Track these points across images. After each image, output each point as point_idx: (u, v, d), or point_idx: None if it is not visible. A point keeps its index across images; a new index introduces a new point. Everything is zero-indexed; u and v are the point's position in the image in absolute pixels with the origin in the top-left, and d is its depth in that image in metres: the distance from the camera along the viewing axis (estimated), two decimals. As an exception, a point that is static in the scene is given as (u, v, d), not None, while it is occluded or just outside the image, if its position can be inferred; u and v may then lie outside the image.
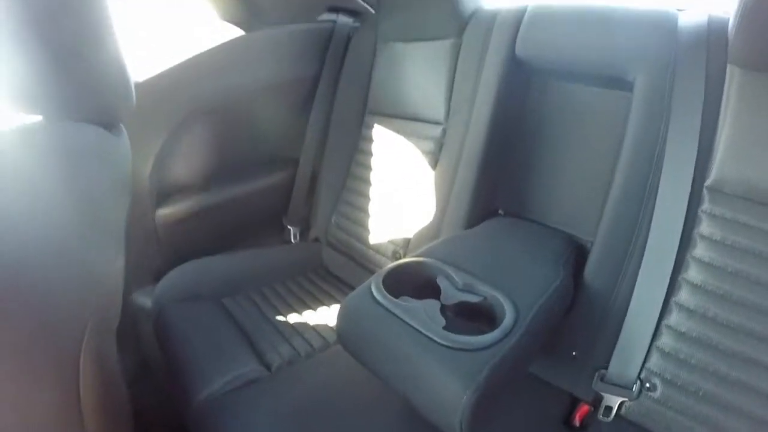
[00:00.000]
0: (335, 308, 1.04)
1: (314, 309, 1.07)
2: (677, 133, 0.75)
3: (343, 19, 1.33)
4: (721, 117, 0.73)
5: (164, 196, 1.17)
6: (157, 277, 1.11)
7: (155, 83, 1.09)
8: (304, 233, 1.35)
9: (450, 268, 0.72)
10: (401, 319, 0.62)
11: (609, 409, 0.76)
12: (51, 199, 0.49)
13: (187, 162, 1.22)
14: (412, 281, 0.72)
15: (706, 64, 0.75)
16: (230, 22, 1.35)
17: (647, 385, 0.75)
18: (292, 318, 1.03)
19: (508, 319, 0.63)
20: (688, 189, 0.73)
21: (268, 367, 0.88)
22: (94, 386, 0.56)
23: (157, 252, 1.18)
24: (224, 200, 1.29)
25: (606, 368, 0.77)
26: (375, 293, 0.66)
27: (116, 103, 0.59)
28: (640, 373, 0.75)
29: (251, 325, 0.99)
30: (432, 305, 0.65)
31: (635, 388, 0.74)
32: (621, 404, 0.76)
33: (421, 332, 0.60)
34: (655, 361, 0.75)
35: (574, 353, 0.83)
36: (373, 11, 1.30)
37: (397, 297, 0.66)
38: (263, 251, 1.28)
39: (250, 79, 1.26)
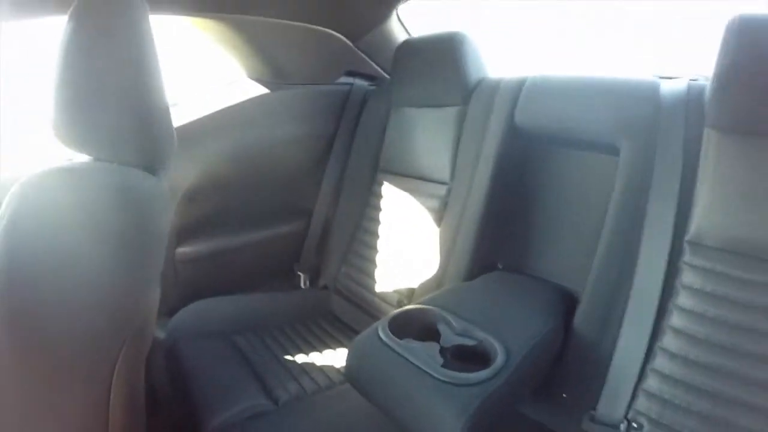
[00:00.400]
0: (341, 351, 1.10)
1: (321, 351, 1.12)
2: (658, 192, 0.82)
3: (360, 83, 1.46)
4: (699, 176, 0.79)
5: (185, 235, 1.25)
6: (172, 311, 1.17)
7: (186, 130, 1.18)
8: (314, 280, 1.41)
9: (449, 315, 0.79)
10: (404, 358, 0.69)
11: None
12: (97, 233, 0.57)
13: (209, 205, 1.31)
14: (415, 326, 0.78)
15: (684, 128, 0.82)
16: (256, 80, 1.46)
17: (634, 425, 0.78)
18: (300, 358, 1.08)
19: (499, 360, 0.70)
20: (669, 243, 0.79)
21: (275, 401, 0.92)
22: (122, 405, 0.62)
23: (173, 288, 1.25)
24: (240, 244, 1.37)
25: (595, 409, 0.81)
26: (381, 335, 0.73)
27: (160, 148, 0.68)
28: (627, 414, 0.79)
29: (260, 362, 1.03)
30: (432, 347, 0.72)
31: (623, 427, 0.78)
32: None
33: (421, 369, 0.67)
34: (641, 402, 0.79)
35: (564, 395, 0.88)
36: (387, 77, 1.41)
37: (401, 339, 0.73)
38: (274, 295, 1.35)
39: (272, 133, 1.37)
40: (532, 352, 0.76)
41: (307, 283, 1.41)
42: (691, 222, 0.79)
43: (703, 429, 0.72)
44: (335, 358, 1.09)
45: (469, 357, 0.73)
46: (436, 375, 0.66)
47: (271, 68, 1.41)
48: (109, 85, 0.61)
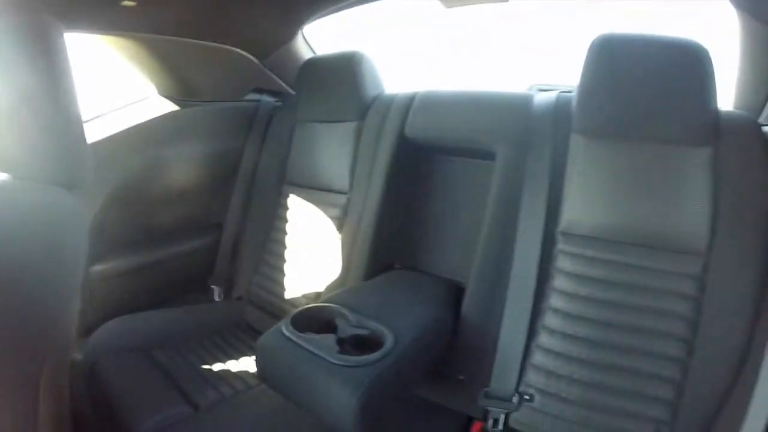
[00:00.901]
0: None
1: (237, 359, 1.14)
2: (530, 191, 0.95)
3: (267, 99, 1.51)
4: (567, 175, 0.93)
5: (99, 253, 1.24)
6: (89, 330, 1.15)
7: (99, 147, 1.18)
8: (228, 292, 1.43)
9: (346, 310, 0.87)
10: (305, 348, 0.77)
11: (496, 421, 0.90)
12: (14, 250, 0.57)
13: (122, 222, 1.30)
14: (315, 322, 0.86)
15: (553, 134, 0.95)
16: (167, 97, 1.47)
17: (526, 396, 0.90)
18: (218, 366, 1.10)
19: (387, 344, 0.78)
20: (541, 234, 0.92)
21: (195, 407, 0.94)
22: (50, 415, 0.62)
23: (89, 306, 1.22)
24: (154, 260, 1.37)
25: (488, 386, 0.92)
26: (284, 331, 0.80)
27: (76, 165, 0.69)
28: (518, 387, 0.90)
29: (179, 373, 1.04)
30: (329, 337, 0.80)
31: (515, 400, 0.89)
32: (507, 416, 0.91)
33: (319, 356, 0.75)
34: (529, 375, 0.90)
35: (461, 377, 0.98)
36: (293, 93, 1.47)
37: (302, 334, 0.80)
38: (190, 309, 1.35)
39: (182, 149, 1.39)
40: (420, 338, 0.85)
41: (222, 295, 1.43)
42: (562, 215, 0.92)
43: (585, 393, 0.85)
44: (251, 364, 1.12)
45: (365, 345, 0.80)
46: (332, 360, 0.74)
47: (182, 86, 1.44)
48: (25, 103, 0.62)
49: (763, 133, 0.83)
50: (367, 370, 0.73)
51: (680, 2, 1.24)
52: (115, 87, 1.56)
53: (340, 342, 0.81)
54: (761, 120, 1.00)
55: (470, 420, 0.97)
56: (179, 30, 1.22)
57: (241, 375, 1.07)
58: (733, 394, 0.78)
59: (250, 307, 1.35)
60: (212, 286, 1.44)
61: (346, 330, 0.83)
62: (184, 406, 0.94)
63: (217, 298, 1.43)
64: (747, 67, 1.05)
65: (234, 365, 1.12)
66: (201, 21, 1.24)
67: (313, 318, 0.86)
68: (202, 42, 1.32)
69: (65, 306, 0.67)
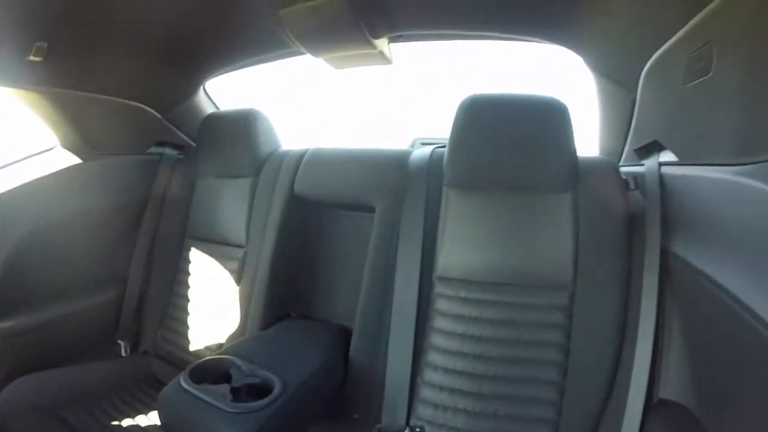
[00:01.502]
0: None
1: (145, 413, 1.17)
2: (405, 240, 1.05)
3: (170, 152, 1.55)
4: (440, 225, 1.04)
5: (2, 309, 1.22)
6: None
7: None
8: (134, 347, 1.44)
9: (239, 360, 0.93)
10: (200, 398, 0.82)
11: None
12: None
13: (25, 277, 1.28)
14: (212, 373, 0.92)
15: (427, 187, 1.06)
16: (70, 150, 1.48)
17: (417, 429, 0.97)
18: (126, 422, 1.13)
19: (276, 390, 0.85)
20: (417, 280, 1.01)
21: None
22: None
23: None
24: (58, 316, 1.35)
25: (380, 422, 0.99)
26: (183, 383, 0.86)
27: None
28: (408, 421, 0.98)
29: (84, 429, 1.07)
30: (224, 387, 0.87)
31: None
32: None
33: (214, 405, 0.81)
34: (418, 409, 0.99)
35: (356, 416, 1.06)
36: (194, 145, 1.52)
37: (199, 385, 0.85)
38: (97, 365, 1.35)
39: (85, 203, 1.39)
40: (308, 381, 0.93)
41: (128, 349, 1.44)
42: (437, 261, 1.03)
43: (470, 421, 0.94)
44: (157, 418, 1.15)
45: (258, 392, 0.86)
46: (224, 408, 0.80)
47: (85, 139, 1.45)
48: None
49: (618, 174, 0.97)
50: (257, 415, 0.80)
51: (544, 64, 1.41)
52: (16, 138, 1.55)
53: (235, 391, 0.87)
54: (621, 162, 1.18)
55: None
56: (83, 85, 1.26)
57: (149, 429, 1.11)
58: (608, 408, 0.89)
59: (157, 361, 1.37)
60: (119, 341, 1.44)
61: (239, 379, 0.89)
62: None
63: (123, 353, 1.43)
64: (606, 119, 1.23)
65: (142, 420, 1.15)
66: (105, 77, 1.28)
67: (210, 369, 0.92)
68: (105, 97, 1.35)
69: None
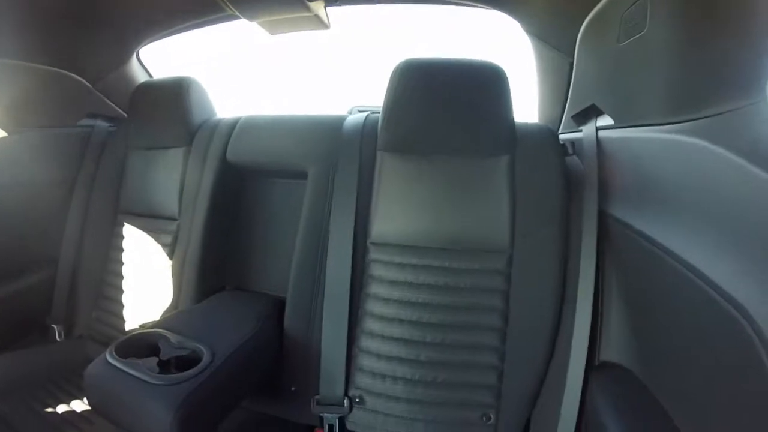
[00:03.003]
0: None
1: (81, 398, 1.13)
2: (338, 206, 1.03)
3: (101, 125, 1.49)
4: (374, 190, 1.02)
5: None
6: None
7: None
8: (69, 331, 1.40)
9: (168, 333, 0.91)
10: (125, 372, 0.80)
11: (331, 426, 0.98)
12: None
13: None
14: (140, 348, 0.89)
15: (360, 152, 1.04)
16: None
17: (356, 399, 0.98)
18: (61, 408, 1.09)
19: (204, 361, 0.84)
20: (350, 246, 1.00)
21: None
22: None
23: None
24: None
25: (319, 393, 0.99)
26: (108, 358, 0.83)
27: None
28: (347, 391, 0.98)
29: (22, 422, 1.03)
30: (151, 360, 0.84)
31: (346, 403, 0.97)
32: (343, 420, 0.98)
33: (140, 378, 0.79)
34: (357, 379, 0.99)
35: (293, 388, 1.04)
36: (126, 116, 1.47)
37: (126, 359, 0.83)
38: (30, 352, 1.31)
39: (11, 180, 1.32)
40: (239, 351, 0.92)
41: (62, 334, 1.39)
42: (371, 226, 1.01)
43: (410, 389, 0.95)
44: None
45: (187, 365, 0.84)
46: (151, 380, 0.78)
47: (9, 111, 1.37)
48: None
49: (556, 140, 0.97)
50: (183, 386, 0.78)
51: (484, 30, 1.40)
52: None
53: (163, 364, 0.85)
54: (561, 129, 1.18)
55: (312, 429, 1.04)
56: (6, 52, 1.20)
57: (86, 414, 1.07)
58: (550, 372, 0.91)
59: (92, 344, 1.33)
60: (52, 326, 1.39)
61: (167, 352, 0.87)
62: None
63: (58, 338, 1.39)
64: (544, 86, 1.23)
65: (79, 405, 1.11)
66: (29, 43, 1.22)
67: (138, 344, 0.90)
68: (30, 64, 1.29)
69: None
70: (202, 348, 0.87)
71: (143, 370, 0.80)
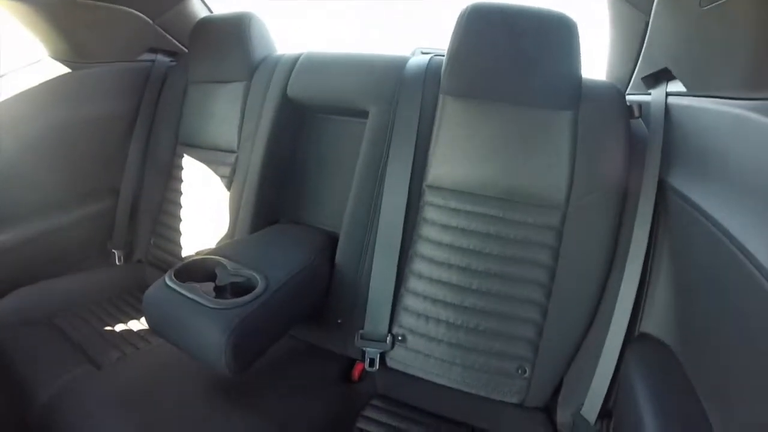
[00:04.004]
0: None
1: (138, 319, 1.21)
2: (397, 147, 1.04)
3: (162, 59, 1.53)
4: (434, 133, 1.02)
5: None
6: None
7: None
8: (128, 256, 1.48)
9: (224, 260, 0.94)
10: (184, 295, 0.84)
11: (372, 361, 1.01)
12: None
13: (15, 191, 1.31)
14: (198, 273, 0.93)
15: (422, 94, 1.04)
16: (59, 60, 1.46)
17: (399, 337, 1.01)
18: (119, 327, 1.17)
19: (259, 288, 0.87)
20: (407, 187, 1.01)
21: (98, 366, 1.00)
22: None
23: None
24: (52, 228, 1.39)
25: (363, 328, 1.02)
26: (167, 282, 0.87)
27: None
28: (390, 329, 1.01)
29: (81, 337, 1.10)
30: (208, 285, 0.89)
31: (388, 340, 1.00)
32: (384, 356, 1.02)
33: (197, 301, 0.82)
34: (401, 317, 1.01)
35: (339, 321, 1.08)
36: (186, 51, 1.50)
37: (184, 283, 0.87)
38: (91, 274, 1.40)
39: (76, 113, 1.39)
40: (292, 281, 0.94)
41: (122, 259, 1.48)
42: (428, 170, 1.02)
43: (451, 333, 0.97)
44: None
45: (241, 291, 0.88)
46: (207, 304, 0.82)
47: (73, 47, 1.43)
48: None
49: (622, 100, 0.94)
50: (238, 311, 0.81)
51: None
52: (4, 50, 1.53)
53: (219, 289, 0.89)
54: (629, 90, 1.14)
55: (352, 361, 1.09)
56: None
57: (142, 334, 1.15)
58: (589, 336, 0.91)
59: (150, 269, 1.41)
60: (112, 251, 1.48)
61: (224, 278, 0.91)
62: (87, 366, 1.00)
63: (117, 263, 1.48)
64: (616, 44, 1.18)
65: (136, 325, 1.19)
66: None
67: (196, 269, 0.94)
68: (93, 2, 1.32)
69: None
70: (257, 276, 0.90)
71: (200, 294, 0.84)
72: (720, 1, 0.70)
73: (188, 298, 0.83)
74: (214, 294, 0.87)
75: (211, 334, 0.78)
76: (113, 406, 0.87)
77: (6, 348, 1.05)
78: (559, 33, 0.93)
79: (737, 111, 0.67)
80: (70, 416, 0.87)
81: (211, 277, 0.92)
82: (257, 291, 0.86)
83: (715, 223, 0.62)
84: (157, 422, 0.83)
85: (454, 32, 0.98)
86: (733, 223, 0.59)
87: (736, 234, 0.57)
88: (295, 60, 1.23)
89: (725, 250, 0.58)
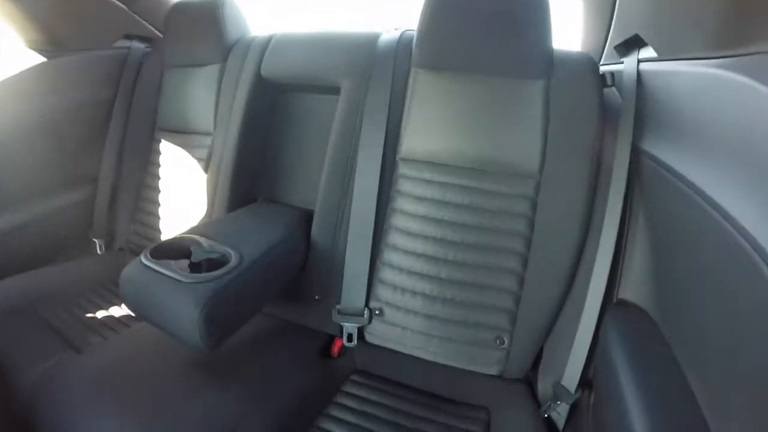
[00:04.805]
0: None
1: (119, 305, 1.22)
2: (369, 121, 1.05)
3: (137, 45, 1.54)
4: (406, 106, 1.03)
5: None
6: None
7: None
8: (109, 244, 1.50)
9: (200, 238, 0.96)
10: (158, 272, 0.85)
11: (350, 336, 1.03)
12: None
13: None
14: (174, 251, 0.94)
15: (393, 68, 1.05)
16: (33, 48, 1.47)
17: (376, 311, 1.02)
18: (101, 314, 1.18)
19: (232, 263, 0.88)
20: (379, 160, 1.02)
21: (78, 351, 1.02)
22: None
23: None
24: (31, 219, 1.40)
25: (340, 303, 1.03)
26: (143, 260, 0.89)
27: None
28: (367, 303, 1.02)
29: (63, 325, 1.12)
30: (182, 262, 0.90)
31: (365, 314, 1.01)
32: (362, 331, 1.03)
33: (171, 277, 0.84)
34: (379, 291, 1.02)
35: (317, 297, 1.10)
36: (161, 36, 1.51)
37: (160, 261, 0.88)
38: (72, 264, 1.41)
39: (52, 102, 1.40)
40: (265, 256, 0.96)
41: (103, 248, 1.49)
42: (402, 142, 1.03)
43: (427, 305, 0.98)
44: None
45: (217, 267, 0.89)
46: (181, 279, 0.83)
47: (49, 37, 1.44)
48: None
49: (595, 69, 0.95)
50: (211, 285, 0.82)
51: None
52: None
53: (194, 266, 0.91)
54: (603, 60, 1.16)
55: (333, 338, 1.10)
56: None
57: (123, 320, 1.16)
58: (567, 305, 0.92)
59: (131, 256, 1.39)
60: (94, 240, 1.49)
61: (198, 255, 0.92)
62: (69, 351, 1.01)
63: (99, 251, 1.49)
64: (589, 14, 1.20)
65: (117, 312, 1.20)
66: None
67: (172, 248, 0.95)
68: None
69: None
70: (231, 252, 0.91)
71: (174, 270, 0.85)
72: None
73: (162, 274, 0.85)
74: (189, 270, 0.88)
75: (184, 309, 0.79)
76: (93, 387, 0.88)
77: None
78: (530, 4, 0.94)
79: (706, 70, 0.68)
80: (53, 398, 0.88)
81: (187, 255, 0.93)
82: (230, 265, 0.87)
83: (688, 183, 0.63)
84: (137, 401, 0.84)
85: (424, 4, 0.99)
86: (705, 180, 0.60)
87: (707, 189, 0.57)
88: (268, 40, 1.25)
89: (697, 207, 0.58)
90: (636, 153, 0.83)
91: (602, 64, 1.14)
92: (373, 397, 0.96)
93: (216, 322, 0.81)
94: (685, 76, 0.75)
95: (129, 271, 0.90)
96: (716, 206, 0.54)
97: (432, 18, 0.98)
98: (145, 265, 0.88)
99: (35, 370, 0.95)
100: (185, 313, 0.79)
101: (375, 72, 1.07)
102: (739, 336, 0.50)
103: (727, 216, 0.52)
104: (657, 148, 0.77)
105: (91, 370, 0.92)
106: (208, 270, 0.88)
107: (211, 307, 0.79)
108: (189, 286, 0.82)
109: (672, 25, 0.82)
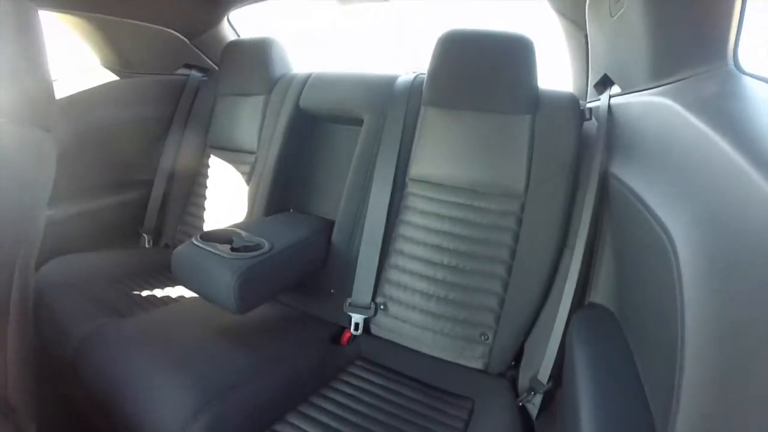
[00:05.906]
0: (179, 289, 1.40)
1: (162, 289, 1.41)
2: (385, 147, 1.28)
3: (195, 74, 1.83)
4: (416, 137, 1.26)
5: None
6: (36, 266, 1.35)
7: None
8: (156, 241, 1.74)
9: (240, 230, 1.18)
10: (206, 250, 1.07)
11: (357, 325, 1.21)
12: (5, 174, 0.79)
13: (65, 175, 1.51)
14: (218, 239, 1.14)
15: (407, 105, 1.29)
16: (108, 68, 1.75)
17: (381, 306, 1.22)
18: (145, 293, 1.36)
19: (264, 249, 1.10)
20: (392, 180, 1.24)
21: (122, 315, 1.17)
22: (18, 338, 0.81)
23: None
24: (92, 209, 1.64)
25: (351, 297, 1.24)
26: (194, 241, 1.10)
27: (50, 115, 0.95)
28: (374, 298, 1.22)
29: (111, 298, 1.27)
30: (226, 246, 1.11)
31: (372, 307, 1.21)
32: (368, 323, 1.21)
33: (215, 253, 1.05)
34: (383, 288, 1.22)
35: (332, 291, 1.30)
36: (217, 68, 1.79)
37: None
38: (124, 252, 1.63)
39: (120, 114, 1.68)
40: (292, 247, 1.18)
41: (150, 242, 1.73)
42: (411, 167, 1.26)
43: (425, 302, 1.17)
44: (173, 294, 1.39)
45: (252, 251, 1.08)
46: (224, 255, 1.05)
47: (121, 59, 1.73)
48: (9, 65, 0.85)
49: (576, 105, 1.10)
50: (246, 261, 1.03)
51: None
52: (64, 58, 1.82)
53: (234, 250, 1.12)
54: (588, 98, 1.36)
55: (343, 329, 1.29)
56: (121, 11, 1.52)
57: (164, 298, 1.35)
58: (545, 307, 1.08)
59: None
60: (143, 235, 1.74)
61: (238, 242, 1.15)
62: (114, 316, 1.18)
63: (146, 245, 1.73)
64: (574, 59, 1.43)
65: (159, 293, 1.39)
66: (141, 4, 1.55)
67: (217, 236, 1.17)
68: (140, 23, 1.62)
69: (32, 224, 0.90)
70: (265, 242, 1.14)
71: (219, 249, 1.07)
72: (620, 12, 0.89)
73: (209, 251, 1.06)
74: (230, 251, 1.10)
75: (223, 277, 0.99)
76: (134, 341, 1.03)
77: (45, 303, 1.20)
78: (518, 50, 1.13)
79: (646, 98, 0.85)
80: (98, 350, 1.02)
81: (229, 242, 1.14)
82: (263, 250, 1.09)
83: (637, 197, 0.73)
84: (171, 356, 0.98)
85: (432, 54, 1.22)
86: (649, 194, 0.70)
87: (652, 204, 0.67)
88: (307, 77, 1.51)
89: (644, 219, 0.68)
90: (606, 175, 0.96)
91: (588, 101, 1.34)
92: (372, 378, 1.10)
93: (248, 290, 1.00)
94: (636, 105, 0.92)
95: (181, 248, 1.11)
96: (655, 217, 0.64)
97: (438, 64, 1.21)
98: (196, 245, 1.10)
99: (84, 327, 1.08)
100: (224, 280, 0.98)
101: (391, 108, 1.31)
102: (667, 325, 0.57)
103: (663, 228, 0.61)
104: (619, 169, 0.90)
105: (133, 329, 1.08)
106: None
107: (245, 278, 0.99)
108: (229, 260, 1.03)
109: (622, 63, 1.01)
